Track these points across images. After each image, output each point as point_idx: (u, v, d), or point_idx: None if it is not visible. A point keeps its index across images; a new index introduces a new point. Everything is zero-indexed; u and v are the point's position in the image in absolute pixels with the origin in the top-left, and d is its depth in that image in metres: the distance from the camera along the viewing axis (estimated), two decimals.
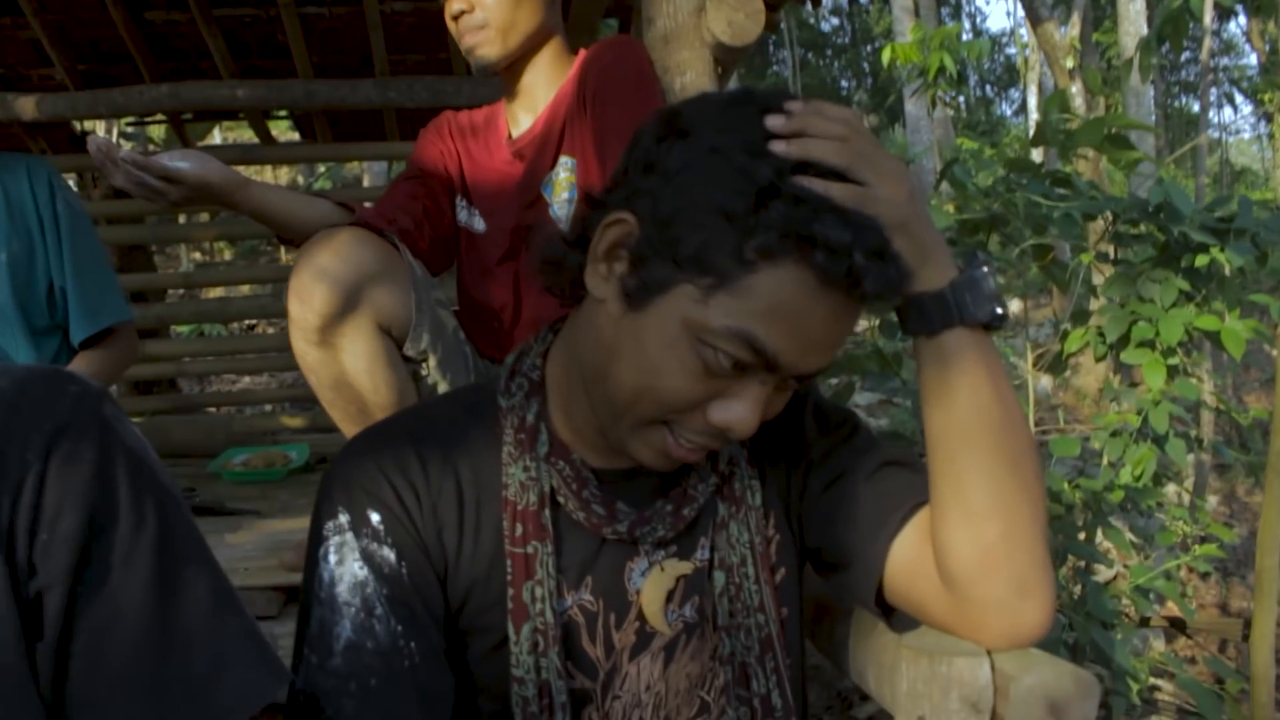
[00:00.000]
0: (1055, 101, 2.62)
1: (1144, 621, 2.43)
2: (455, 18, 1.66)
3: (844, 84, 25.19)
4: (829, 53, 25.55)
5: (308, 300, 1.42)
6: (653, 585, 0.99)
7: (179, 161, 1.42)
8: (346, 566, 0.92)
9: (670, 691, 1.00)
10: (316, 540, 0.95)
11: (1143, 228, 2.31)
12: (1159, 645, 3.76)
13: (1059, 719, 0.83)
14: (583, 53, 1.72)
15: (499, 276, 1.72)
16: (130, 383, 4.28)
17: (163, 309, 4.04)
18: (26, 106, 3.63)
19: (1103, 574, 3.31)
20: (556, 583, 0.96)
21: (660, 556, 1.00)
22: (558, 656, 0.94)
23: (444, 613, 0.96)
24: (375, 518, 0.93)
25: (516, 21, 1.65)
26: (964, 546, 0.86)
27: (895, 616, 0.98)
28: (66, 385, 0.78)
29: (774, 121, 0.83)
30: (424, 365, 1.54)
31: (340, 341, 1.45)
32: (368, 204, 1.72)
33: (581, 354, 0.95)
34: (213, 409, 4.73)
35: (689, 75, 1.52)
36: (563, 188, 1.67)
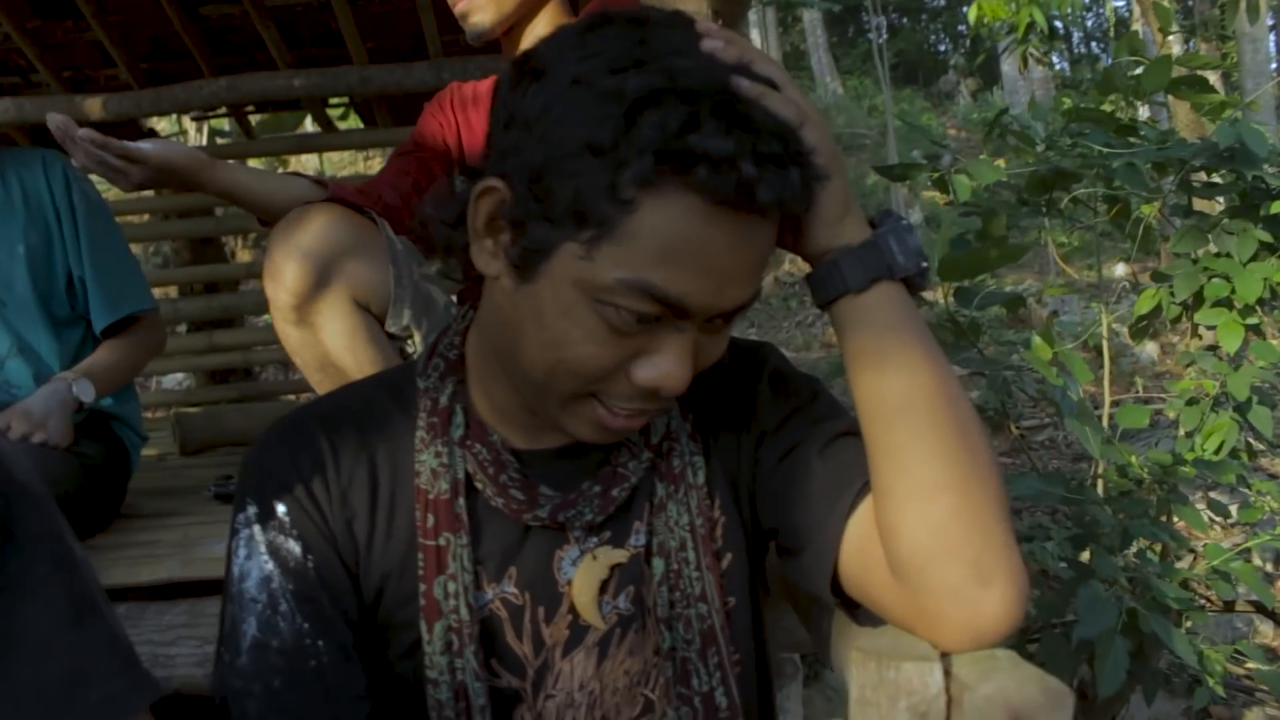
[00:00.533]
0: (1125, 45, 2.42)
1: (1228, 606, 2.24)
2: None
3: (941, 47, 24.49)
4: (924, 17, 24.84)
5: (280, 279, 1.39)
6: (584, 575, 0.90)
7: (141, 143, 1.39)
8: (254, 561, 0.87)
9: (606, 690, 0.91)
10: (231, 534, 0.90)
11: (1220, 175, 2.12)
12: (1267, 631, 3.51)
13: None
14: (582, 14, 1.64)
15: None
16: (206, 372, 4.36)
17: (230, 299, 4.09)
18: (94, 107, 3.70)
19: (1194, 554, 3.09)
20: (474, 576, 0.88)
21: (592, 544, 0.91)
22: (474, 657, 0.86)
23: (358, 608, 0.89)
24: (281, 509, 0.88)
25: None
26: (911, 527, 0.76)
27: (862, 610, 0.88)
28: None
29: (706, 26, 0.75)
30: (409, 342, 1.49)
31: (318, 320, 1.41)
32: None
33: (491, 335, 0.87)
34: (291, 396, 4.79)
35: None
36: None
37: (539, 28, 1.63)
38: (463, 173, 0.86)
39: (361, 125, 4.66)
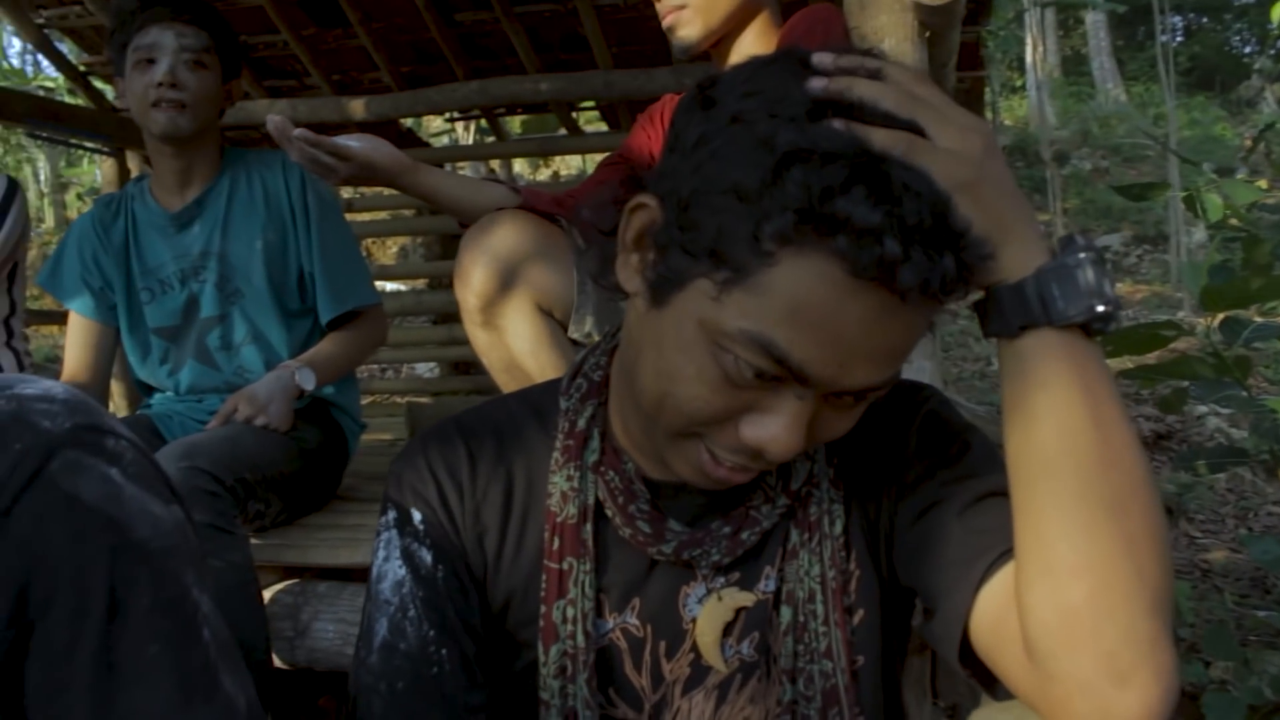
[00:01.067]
0: None
1: None
2: None
3: (1246, 49, 22.40)
4: (1228, 16, 22.79)
5: (468, 282, 1.43)
6: (708, 616, 0.86)
7: (349, 140, 1.45)
8: (390, 564, 0.89)
9: None
10: (375, 535, 0.92)
11: None
12: None
13: None
14: (783, 29, 1.59)
15: None
16: (449, 363, 4.59)
17: None
18: (357, 108, 3.97)
19: None
20: (595, 604, 0.87)
21: (719, 584, 0.87)
22: (586, 685, 0.85)
23: (483, 621, 0.90)
24: (417, 517, 0.90)
25: (716, 1, 1.56)
26: (1042, 608, 0.68)
27: (1000, 685, 0.79)
28: (11, 444, 0.70)
29: (821, 59, 0.69)
30: None
31: (503, 323, 1.45)
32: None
33: (623, 354, 0.85)
34: None
35: (889, 41, 1.34)
36: None
37: (746, 42, 1.60)
38: (623, 184, 0.84)
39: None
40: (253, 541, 1.74)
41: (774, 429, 0.71)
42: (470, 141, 8.58)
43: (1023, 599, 0.69)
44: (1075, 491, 0.67)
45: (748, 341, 0.67)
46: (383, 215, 5.24)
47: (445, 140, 9.07)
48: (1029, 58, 14.44)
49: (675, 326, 0.72)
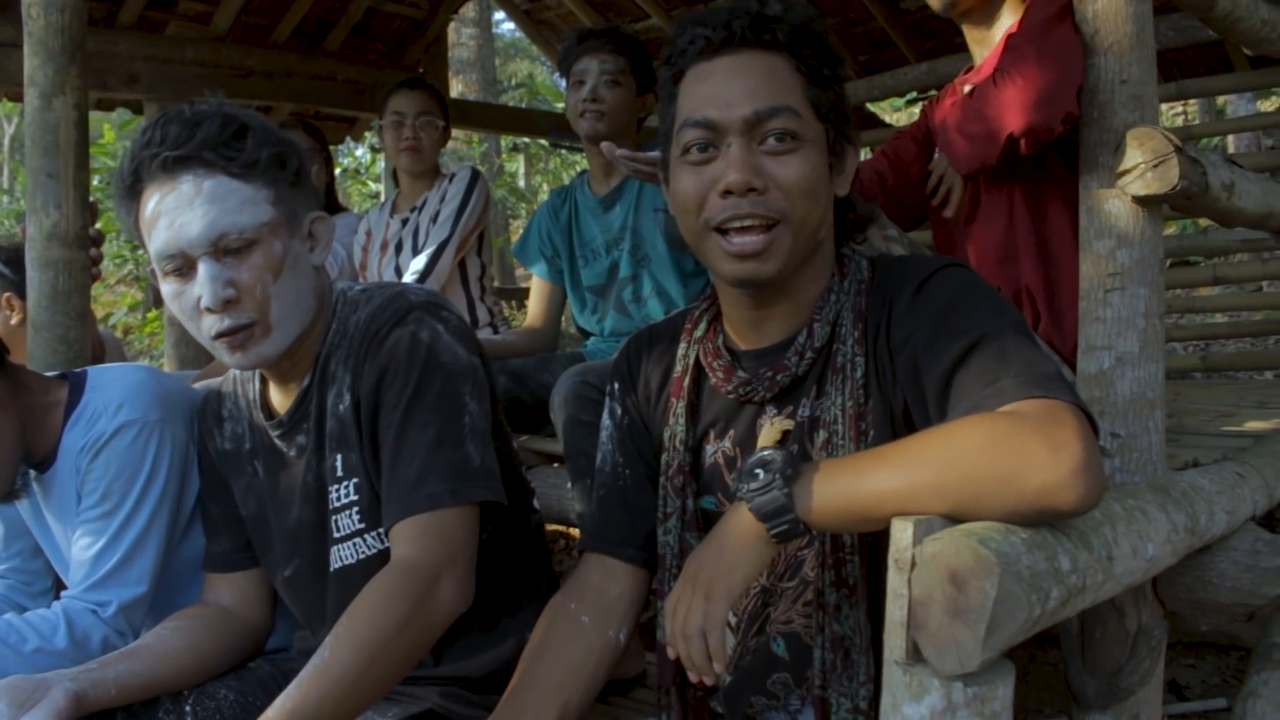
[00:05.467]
0: None
1: None
2: None
3: None
4: None
5: None
6: (764, 434, 1.25)
7: (654, 154, 1.86)
8: (604, 418, 1.39)
9: None
10: None
11: None
12: None
13: (959, 589, 0.85)
14: None
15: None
16: None
17: None
18: None
19: None
20: (685, 427, 1.27)
21: (774, 413, 1.23)
22: (677, 478, 1.27)
23: (652, 453, 1.34)
24: (616, 386, 1.39)
25: None
26: None
27: None
28: (395, 304, 1.33)
29: None
30: None
31: None
32: None
33: None
34: None
35: (1100, 2, 1.50)
36: None
37: (1004, 9, 1.79)
38: None
39: None
40: None
41: (729, 170, 1.11)
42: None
43: None
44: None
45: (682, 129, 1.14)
46: None
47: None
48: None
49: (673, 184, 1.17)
